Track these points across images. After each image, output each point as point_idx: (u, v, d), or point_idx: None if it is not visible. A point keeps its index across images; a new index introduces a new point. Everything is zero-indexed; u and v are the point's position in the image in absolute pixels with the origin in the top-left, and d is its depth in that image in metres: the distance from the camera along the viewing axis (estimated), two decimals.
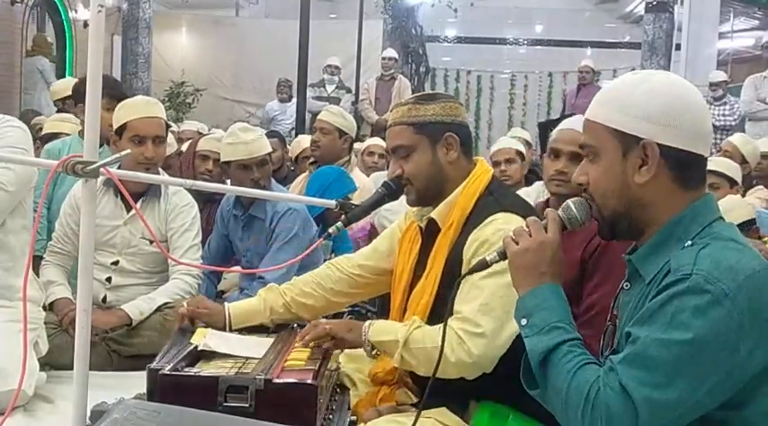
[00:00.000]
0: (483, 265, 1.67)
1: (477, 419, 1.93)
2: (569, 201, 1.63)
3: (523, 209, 2.05)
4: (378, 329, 2.06)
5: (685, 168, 1.47)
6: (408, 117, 2.10)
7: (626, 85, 1.51)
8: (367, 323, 2.08)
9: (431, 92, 2.26)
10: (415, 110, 2.10)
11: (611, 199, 1.52)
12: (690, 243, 1.42)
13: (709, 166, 4.00)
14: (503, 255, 1.61)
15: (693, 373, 1.32)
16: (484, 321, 1.91)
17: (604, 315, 1.71)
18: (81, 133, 3.85)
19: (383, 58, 9.52)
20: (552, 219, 1.58)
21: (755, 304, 1.34)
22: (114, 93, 3.62)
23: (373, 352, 2.08)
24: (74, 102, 4.20)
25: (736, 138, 5.59)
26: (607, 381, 1.36)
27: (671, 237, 1.46)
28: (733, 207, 3.54)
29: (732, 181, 4.05)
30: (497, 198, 2.07)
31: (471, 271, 1.72)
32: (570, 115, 4.52)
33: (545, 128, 3.32)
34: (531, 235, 1.56)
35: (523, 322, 1.51)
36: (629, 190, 1.49)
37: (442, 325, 1.93)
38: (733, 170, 4.10)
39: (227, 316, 2.28)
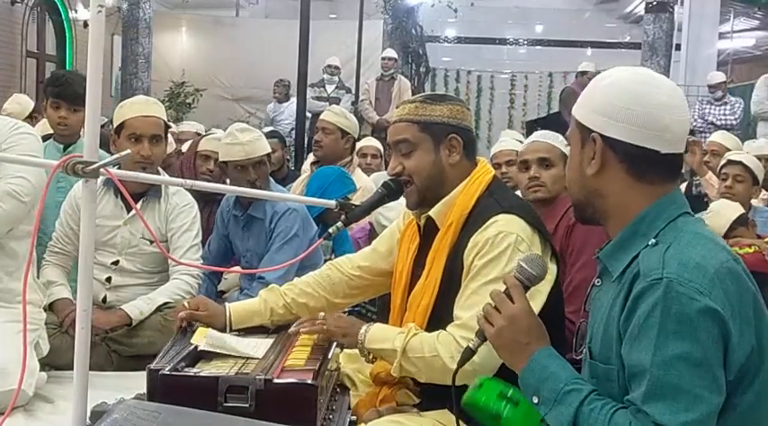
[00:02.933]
0: (469, 354, 1.67)
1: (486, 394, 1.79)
2: (519, 261, 1.65)
3: (524, 211, 2.04)
4: (374, 336, 2.04)
5: (636, 162, 1.49)
6: (415, 115, 2.10)
7: (597, 80, 1.57)
8: (363, 329, 2.06)
9: (440, 93, 2.23)
10: (423, 109, 2.09)
11: (573, 187, 1.60)
12: (654, 241, 1.44)
13: (738, 159, 4.15)
14: (483, 336, 1.62)
15: (707, 376, 1.34)
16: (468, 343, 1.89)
17: (582, 288, 1.74)
18: (49, 136, 3.67)
19: (383, 59, 9.52)
20: (513, 286, 1.60)
21: (730, 295, 1.37)
22: (61, 92, 3.54)
23: (371, 357, 2.08)
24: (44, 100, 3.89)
25: (718, 136, 5.58)
26: (643, 425, 1.36)
27: (636, 234, 1.49)
28: (721, 206, 3.61)
29: (755, 179, 4.08)
30: (498, 199, 2.06)
31: (459, 366, 1.69)
32: (556, 114, 4.53)
33: (533, 127, 3.39)
34: (500, 311, 1.57)
35: (535, 400, 1.51)
36: (585, 180, 1.55)
37: (438, 333, 1.95)
38: (758, 168, 4.16)
39: (227, 317, 2.28)
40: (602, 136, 1.50)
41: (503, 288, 1.87)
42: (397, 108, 2.18)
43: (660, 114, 1.47)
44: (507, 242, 1.94)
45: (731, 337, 1.35)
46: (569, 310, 2.40)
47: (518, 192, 3.64)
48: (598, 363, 1.49)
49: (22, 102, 5.88)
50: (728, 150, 5.06)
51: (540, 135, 2.84)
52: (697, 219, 1.52)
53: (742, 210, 3.68)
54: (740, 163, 4.12)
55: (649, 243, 1.45)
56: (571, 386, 1.46)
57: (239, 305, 2.34)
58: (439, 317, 2.01)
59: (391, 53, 9.67)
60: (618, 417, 1.39)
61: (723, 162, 4.28)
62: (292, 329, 2.17)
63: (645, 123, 1.46)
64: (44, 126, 4.78)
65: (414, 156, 2.10)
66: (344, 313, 3.34)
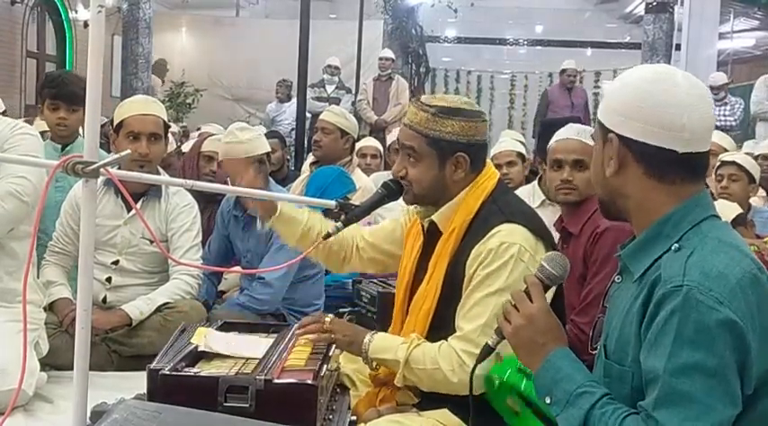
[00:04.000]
0: (488, 351, 1.69)
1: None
2: (541, 260, 1.65)
3: (527, 219, 2.03)
4: (378, 346, 2.06)
5: (654, 162, 1.46)
6: (425, 127, 2.05)
7: (618, 79, 1.55)
8: (367, 338, 2.07)
9: (456, 106, 2.06)
10: (434, 123, 2.04)
11: (597, 187, 1.58)
12: (677, 246, 1.42)
13: (731, 159, 4.16)
14: (501, 334, 1.62)
15: (720, 388, 1.32)
16: (485, 341, 1.89)
17: (599, 301, 1.73)
18: (45, 135, 3.68)
19: (380, 59, 9.52)
20: (532, 284, 1.59)
21: (751, 306, 1.34)
22: (58, 92, 3.54)
23: (374, 365, 2.10)
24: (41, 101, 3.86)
25: (716, 136, 5.61)
26: None
27: (659, 236, 1.46)
28: (719, 207, 3.61)
29: (751, 178, 4.09)
30: (501, 206, 2.04)
31: (478, 362, 1.72)
32: (574, 118, 4.52)
33: (548, 128, 3.33)
34: (518, 310, 1.57)
35: (548, 400, 1.50)
36: (605, 180, 1.53)
37: (440, 344, 1.98)
38: (753, 167, 4.17)
39: (278, 207, 2.36)
40: (619, 136, 1.48)
41: (505, 301, 1.87)
42: (409, 107, 2.15)
43: (678, 113, 1.44)
44: (510, 253, 1.94)
45: (750, 350, 1.33)
46: (583, 321, 2.38)
47: (520, 191, 3.66)
48: (613, 363, 1.48)
49: None
50: (726, 150, 5.07)
51: (575, 130, 2.68)
52: (723, 224, 1.49)
53: (740, 210, 3.69)
54: (734, 162, 4.13)
55: (672, 247, 1.42)
56: (584, 389, 1.45)
57: (289, 206, 2.42)
58: (440, 323, 2.03)
59: (388, 53, 9.66)
60: (628, 422, 1.38)
61: (717, 163, 4.29)
62: (298, 331, 2.16)
63: (661, 122, 1.44)
64: (41, 127, 4.79)
65: (418, 167, 2.08)
66: (345, 312, 3.35)
